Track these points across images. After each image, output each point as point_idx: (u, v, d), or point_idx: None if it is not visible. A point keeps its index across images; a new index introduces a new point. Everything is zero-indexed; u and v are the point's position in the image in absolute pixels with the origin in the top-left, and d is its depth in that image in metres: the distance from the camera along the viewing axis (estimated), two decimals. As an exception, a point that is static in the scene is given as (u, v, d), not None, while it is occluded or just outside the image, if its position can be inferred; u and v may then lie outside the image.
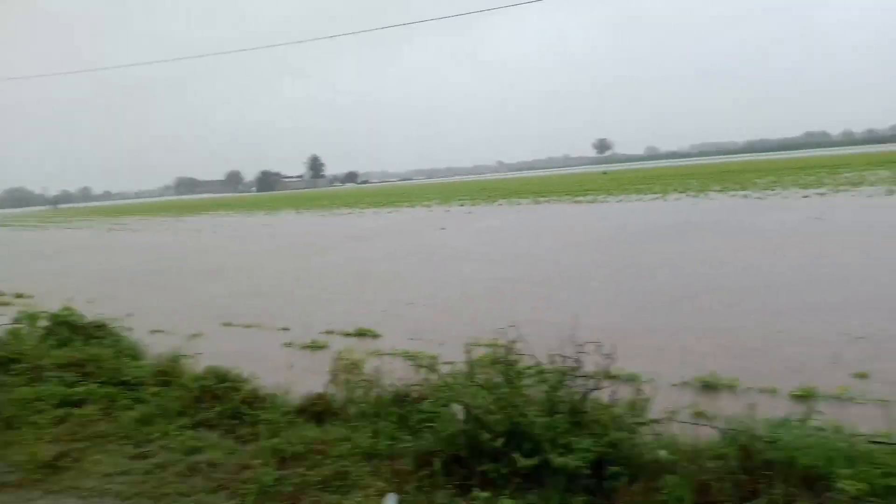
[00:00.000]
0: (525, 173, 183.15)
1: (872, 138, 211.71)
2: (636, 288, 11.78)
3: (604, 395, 4.45)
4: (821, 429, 3.84)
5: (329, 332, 9.67)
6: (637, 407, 4.42)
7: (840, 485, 3.34)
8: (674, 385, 6.53)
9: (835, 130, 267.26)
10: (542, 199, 43.16)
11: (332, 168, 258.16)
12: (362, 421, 5.26)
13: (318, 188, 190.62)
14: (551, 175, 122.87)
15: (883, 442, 3.58)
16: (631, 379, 6.72)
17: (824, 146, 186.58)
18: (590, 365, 4.56)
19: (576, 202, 37.48)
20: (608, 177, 77.90)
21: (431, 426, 4.61)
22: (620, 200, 35.47)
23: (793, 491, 3.35)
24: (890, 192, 25.90)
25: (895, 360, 6.66)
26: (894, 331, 7.67)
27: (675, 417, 4.33)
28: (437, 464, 4.11)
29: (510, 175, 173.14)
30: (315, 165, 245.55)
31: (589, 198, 39.96)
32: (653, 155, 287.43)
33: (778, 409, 5.23)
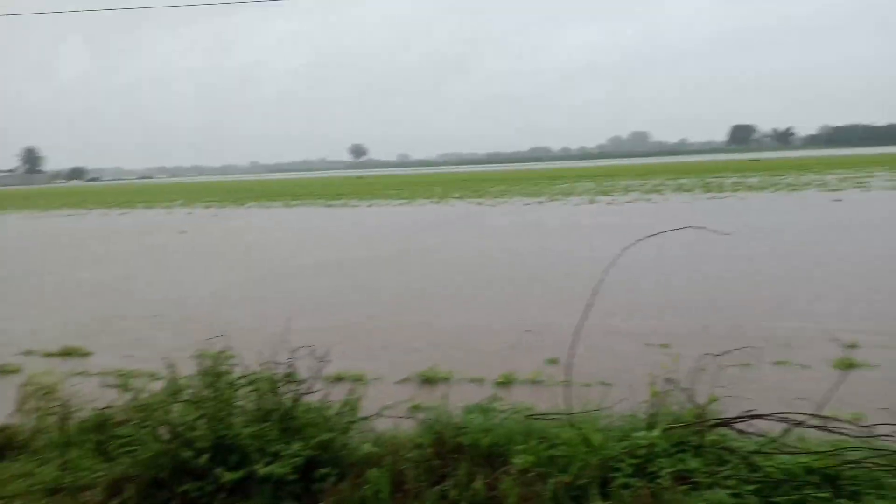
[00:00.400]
0: (280, 175, 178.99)
1: (584, 154, 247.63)
2: (370, 290, 12.15)
3: (318, 398, 4.52)
4: (503, 410, 4.33)
5: (28, 353, 8.39)
6: (349, 406, 4.54)
7: (514, 459, 3.79)
8: (397, 382, 6.86)
9: (555, 146, 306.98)
10: (294, 202, 42.51)
11: (55, 163, 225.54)
12: (52, 452, 4.65)
13: (34, 185, 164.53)
14: (307, 178, 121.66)
15: (544, 417, 4.15)
16: (357, 379, 6.94)
17: (547, 160, 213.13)
18: (316, 369, 4.61)
19: (329, 206, 37.58)
20: (362, 181, 79.46)
21: (134, 450, 4.25)
22: (371, 205, 36.40)
23: (476, 469, 3.71)
24: (592, 202, 30.37)
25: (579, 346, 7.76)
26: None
27: (384, 413, 4.53)
28: (132, 489, 3.79)
29: (264, 177, 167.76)
30: (31, 158, 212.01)
31: (341, 202, 40.36)
32: (404, 162, 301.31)
33: (482, 395, 5.81)
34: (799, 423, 3.81)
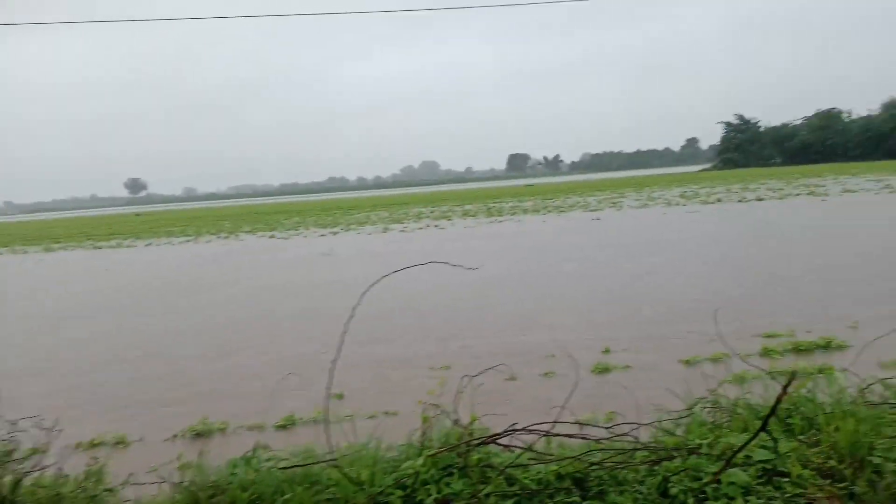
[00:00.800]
0: (42, 216, 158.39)
1: (379, 184, 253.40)
2: (125, 339, 10.97)
3: (51, 474, 3.91)
4: (268, 459, 4.09)
5: None
6: (93, 478, 3.99)
7: (279, 511, 3.58)
8: (165, 440, 6.23)
9: (352, 176, 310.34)
10: (56, 245, 37.70)
11: None
12: None
13: None
14: (75, 217, 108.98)
15: (307, 463, 3.99)
16: (119, 442, 6.20)
17: (344, 190, 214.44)
18: (46, 440, 3.99)
19: (97, 248, 33.85)
20: (141, 218, 73.22)
21: None
22: (149, 244, 33.49)
23: (236, 530, 3.43)
24: (385, 230, 30.92)
25: (357, 380, 7.72)
26: (356, 354, 8.84)
27: (131, 480, 4.05)
28: None
29: (21, 218, 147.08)
30: None
31: (114, 242, 36.63)
32: (191, 196, 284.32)
33: (263, 442, 5.49)
34: (546, 433, 4.07)
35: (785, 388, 3.31)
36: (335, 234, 31.17)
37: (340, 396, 7.04)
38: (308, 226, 38.31)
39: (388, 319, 10.65)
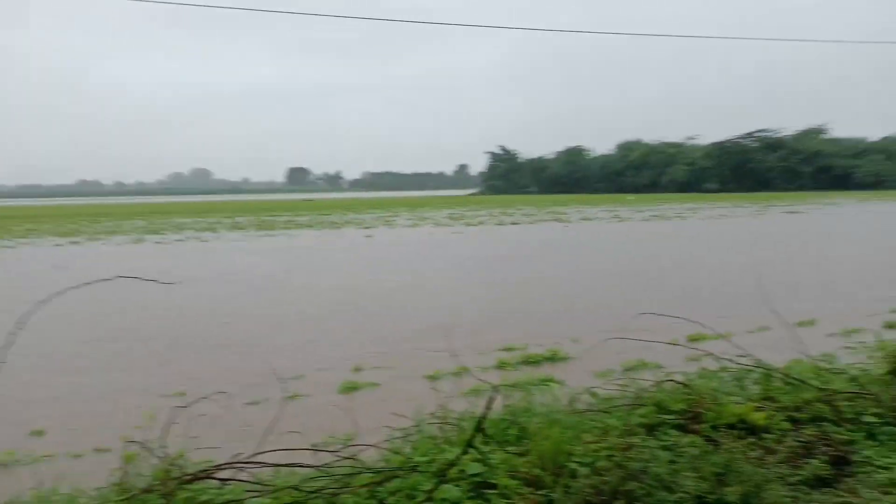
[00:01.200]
0: None
1: (143, 190, 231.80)
2: None
3: None
4: None
5: None
6: None
7: None
8: None
9: (107, 180, 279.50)
10: None
11: None
12: None
13: None
14: None
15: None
16: None
17: (97, 195, 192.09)
18: None
19: None
20: None
21: None
22: None
23: None
24: (138, 241, 28.07)
25: (64, 413, 6.74)
26: (67, 382, 7.84)
27: None
28: None
29: None
30: None
31: None
32: None
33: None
34: (262, 463, 3.81)
35: (488, 404, 3.44)
36: (76, 244, 27.52)
37: (41, 433, 6.04)
38: (43, 234, 33.39)
39: (110, 343, 9.60)
